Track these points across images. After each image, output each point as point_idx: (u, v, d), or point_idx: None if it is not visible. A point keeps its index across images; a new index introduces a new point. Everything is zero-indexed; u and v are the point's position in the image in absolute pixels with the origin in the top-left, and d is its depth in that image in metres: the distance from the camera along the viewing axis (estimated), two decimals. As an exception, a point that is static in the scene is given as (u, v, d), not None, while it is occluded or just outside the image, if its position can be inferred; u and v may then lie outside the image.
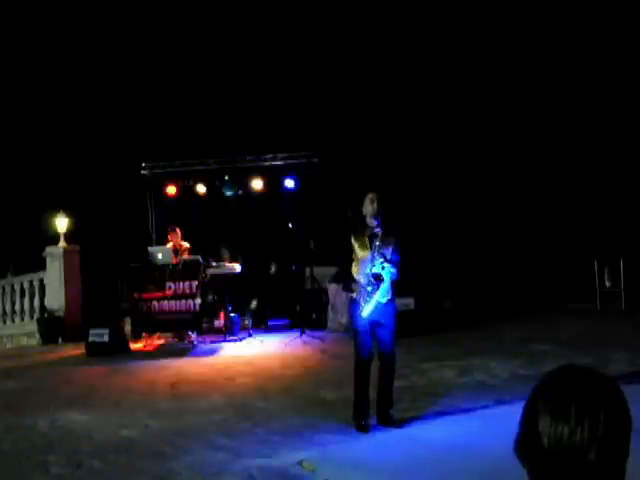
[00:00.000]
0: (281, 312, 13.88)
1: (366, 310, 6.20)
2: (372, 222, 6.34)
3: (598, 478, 1.27)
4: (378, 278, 6.13)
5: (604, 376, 1.34)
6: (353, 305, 6.34)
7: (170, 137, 17.13)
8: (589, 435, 1.26)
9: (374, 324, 6.25)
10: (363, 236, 6.31)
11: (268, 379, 8.65)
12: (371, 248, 6.24)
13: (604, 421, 1.27)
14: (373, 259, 6.19)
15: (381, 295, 6.21)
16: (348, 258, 6.35)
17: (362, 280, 6.23)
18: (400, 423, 6.27)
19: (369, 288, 6.17)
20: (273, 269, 14.29)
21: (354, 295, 6.30)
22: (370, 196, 6.35)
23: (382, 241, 6.20)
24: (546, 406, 1.30)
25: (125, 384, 8.81)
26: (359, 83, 17.49)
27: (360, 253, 6.28)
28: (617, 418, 1.29)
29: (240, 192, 14.12)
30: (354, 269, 6.33)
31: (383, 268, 6.15)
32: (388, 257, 6.20)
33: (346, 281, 6.39)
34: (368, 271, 6.18)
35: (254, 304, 13.64)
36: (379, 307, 6.23)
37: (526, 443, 1.32)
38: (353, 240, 6.34)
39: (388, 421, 6.27)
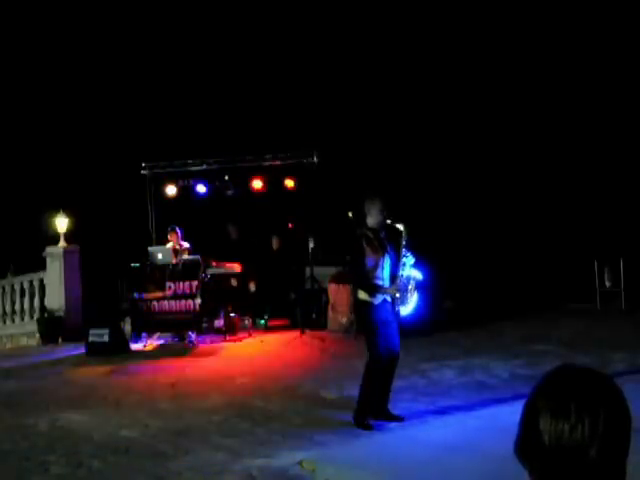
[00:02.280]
0: (281, 312, 13.87)
1: (408, 308, 6.31)
2: (376, 226, 6.36)
3: (599, 475, 1.27)
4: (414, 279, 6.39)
5: (602, 374, 1.35)
6: (374, 307, 6.20)
7: (170, 137, 17.13)
8: (590, 432, 1.26)
9: (387, 323, 6.27)
10: (373, 239, 6.31)
11: (268, 379, 8.64)
12: (383, 251, 6.28)
13: (604, 417, 1.27)
14: (398, 261, 6.34)
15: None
16: (362, 261, 6.26)
17: (384, 283, 6.27)
18: (401, 417, 6.33)
19: (410, 286, 6.32)
20: (275, 244, 14.15)
21: (379, 298, 6.20)
22: (379, 205, 6.33)
23: (400, 243, 6.35)
24: (546, 405, 1.30)
25: (125, 384, 8.81)
26: (358, 83, 17.49)
27: (373, 256, 6.26)
28: (617, 414, 1.29)
29: (240, 192, 14.13)
30: (370, 273, 6.26)
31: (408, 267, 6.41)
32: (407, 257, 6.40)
33: (372, 286, 6.21)
34: (402, 273, 6.32)
35: (252, 287, 13.59)
36: (388, 306, 6.28)
37: (527, 443, 1.32)
38: (365, 244, 6.28)
39: (391, 416, 6.31)
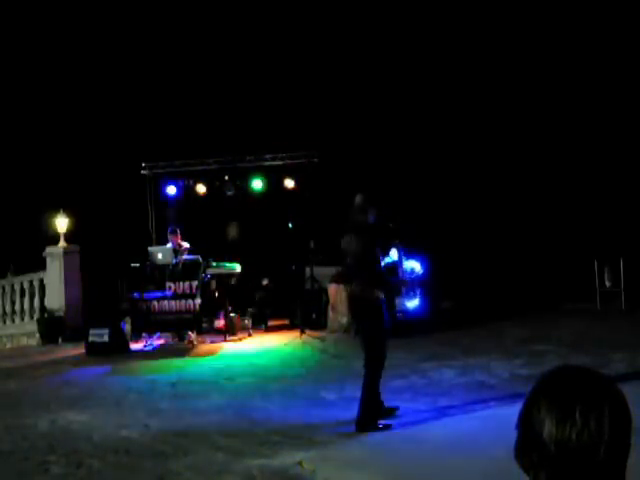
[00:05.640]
0: (281, 312, 13.87)
1: (416, 300, 6.31)
2: (373, 223, 6.38)
3: (606, 474, 1.27)
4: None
5: (600, 374, 1.35)
6: (382, 305, 6.16)
7: (170, 137, 17.13)
8: (597, 434, 1.26)
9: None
10: (374, 239, 6.33)
11: (268, 379, 8.65)
12: (378, 248, 6.30)
13: (609, 418, 1.27)
14: (389, 253, 6.42)
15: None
16: (374, 258, 6.19)
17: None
18: (394, 409, 6.35)
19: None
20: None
21: (382, 295, 6.18)
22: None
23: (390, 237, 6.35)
24: (550, 410, 1.29)
25: (125, 384, 8.81)
26: (358, 83, 17.48)
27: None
28: (620, 414, 1.29)
29: (240, 192, 14.14)
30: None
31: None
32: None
33: (387, 281, 6.18)
34: (405, 266, 6.30)
35: (265, 282, 13.65)
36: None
37: (530, 450, 1.30)
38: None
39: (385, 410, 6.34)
